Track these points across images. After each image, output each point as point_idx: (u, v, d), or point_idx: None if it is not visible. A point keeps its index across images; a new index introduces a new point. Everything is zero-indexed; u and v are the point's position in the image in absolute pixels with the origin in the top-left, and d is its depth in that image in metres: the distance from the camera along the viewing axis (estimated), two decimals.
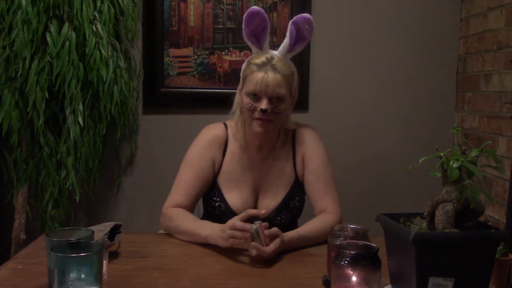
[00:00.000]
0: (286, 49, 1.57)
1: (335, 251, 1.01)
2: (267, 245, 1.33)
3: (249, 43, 1.58)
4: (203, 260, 1.36)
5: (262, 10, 1.54)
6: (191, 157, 1.64)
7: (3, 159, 2.26)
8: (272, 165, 1.65)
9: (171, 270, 1.28)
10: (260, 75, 1.51)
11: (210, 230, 1.42)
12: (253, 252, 1.32)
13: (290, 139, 1.68)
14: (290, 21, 1.55)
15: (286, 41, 1.56)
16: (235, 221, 1.36)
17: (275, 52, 1.58)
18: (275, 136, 1.64)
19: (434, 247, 0.98)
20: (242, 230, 1.33)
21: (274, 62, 1.53)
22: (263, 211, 1.39)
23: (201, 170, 1.61)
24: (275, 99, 1.53)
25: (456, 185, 1.02)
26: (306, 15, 1.55)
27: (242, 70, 1.61)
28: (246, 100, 1.54)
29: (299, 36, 1.57)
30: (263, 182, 1.64)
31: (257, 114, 1.53)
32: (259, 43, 1.57)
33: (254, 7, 1.55)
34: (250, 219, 1.39)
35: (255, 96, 1.53)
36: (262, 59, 1.53)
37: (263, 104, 1.51)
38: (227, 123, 1.70)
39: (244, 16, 1.55)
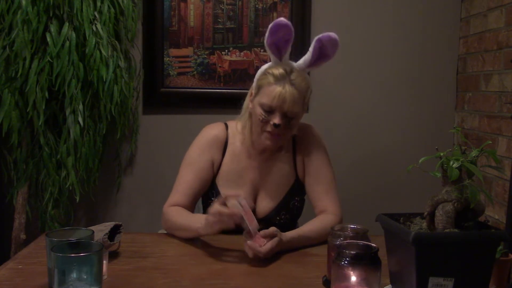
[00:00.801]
0: (307, 64, 1.54)
1: (335, 251, 1.01)
2: (259, 241, 1.32)
3: (269, 52, 1.54)
4: (203, 260, 1.36)
5: (289, 24, 1.49)
6: (191, 158, 1.64)
7: (3, 159, 2.26)
8: (272, 166, 1.65)
9: (171, 270, 1.28)
10: (278, 89, 1.48)
11: (199, 222, 1.41)
12: (250, 253, 1.33)
13: (291, 139, 1.67)
14: (315, 38, 1.51)
15: (307, 57, 1.53)
16: (219, 208, 1.33)
17: (294, 65, 1.54)
18: None
19: (434, 247, 0.98)
20: (229, 217, 1.31)
21: (293, 76, 1.50)
22: (241, 192, 1.37)
23: (201, 170, 1.61)
24: (288, 116, 1.51)
25: (456, 185, 1.02)
26: (332, 34, 1.51)
27: (257, 79, 1.57)
28: (259, 111, 1.52)
29: (322, 54, 1.53)
30: (263, 183, 1.64)
31: (269, 127, 1.52)
32: (279, 54, 1.53)
33: (282, 19, 1.49)
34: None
35: (270, 109, 1.50)
36: (280, 71, 1.50)
37: (277, 119, 1.49)
38: (228, 123, 1.70)
39: (269, 26, 1.49)
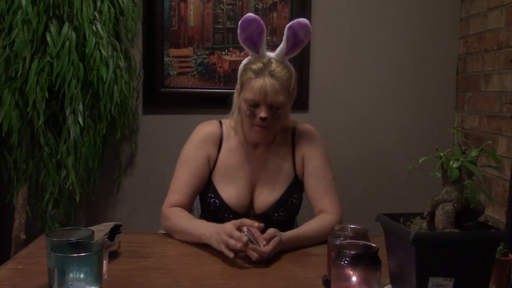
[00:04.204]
0: (284, 53, 1.55)
1: (335, 251, 1.01)
2: (264, 245, 1.33)
3: (245, 47, 1.57)
4: (203, 260, 1.36)
5: (257, 17, 1.52)
6: (187, 156, 1.64)
7: (3, 159, 2.26)
8: (270, 161, 1.65)
9: (171, 270, 1.28)
10: (258, 83, 1.49)
11: (204, 229, 1.42)
12: (254, 256, 1.32)
13: (290, 137, 1.68)
14: (287, 26, 1.53)
15: (283, 45, 1.54)
16: (232, 230, 1.35)
17: (272, 55, 1.56)
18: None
19: (434, 247, 0.98)
20: (237, 240, 1.32)
21: (272, 67, 1.51)
22: (256, 224, 1.38)
23: (197, 168, 1.61)
24: (274, 106, 1.52)
25: (456, 185, 1.02)
26: (302, 20, 1.53)
27: (239, 74, 1.60)
28: (245, 106, 1.54)
29: (296, 40, 1.55)
30: (260, 178, 1.64)
31: (256, 121, 1.53)
32: (255, 47, 1.55)
33: (249, 14, 1.52)
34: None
35: (254, 104, 1.52)
36: (259, 64, 1.52)
37: (262, 113, 1.51)
38: (222, 120, 1.70)
39: (239, 23, 1.52)
